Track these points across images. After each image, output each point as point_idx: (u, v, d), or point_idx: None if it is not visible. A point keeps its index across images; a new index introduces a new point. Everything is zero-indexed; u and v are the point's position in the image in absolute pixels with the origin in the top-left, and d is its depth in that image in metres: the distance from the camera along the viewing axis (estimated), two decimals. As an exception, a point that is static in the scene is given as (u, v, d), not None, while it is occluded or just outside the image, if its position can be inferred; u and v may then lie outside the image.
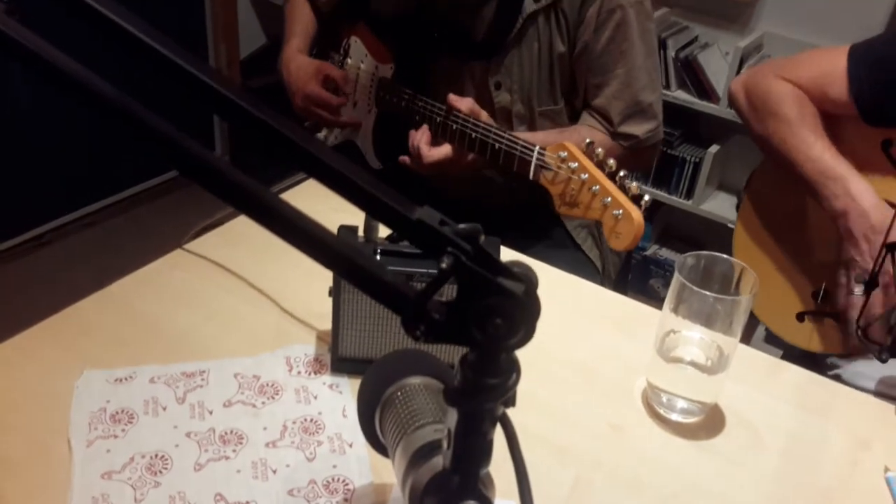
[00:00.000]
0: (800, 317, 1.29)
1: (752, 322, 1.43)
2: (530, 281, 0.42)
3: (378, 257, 0.79)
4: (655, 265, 2.61)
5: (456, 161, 1.31)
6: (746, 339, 1.83)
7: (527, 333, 0.42)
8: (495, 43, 1.37)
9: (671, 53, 2.30)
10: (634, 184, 1.05)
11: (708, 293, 0.78)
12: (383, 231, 0.63)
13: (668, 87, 2.35)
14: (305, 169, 0.41)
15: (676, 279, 0.80)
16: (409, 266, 0.79)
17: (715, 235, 2.41)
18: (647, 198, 1.04)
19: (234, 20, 2.97)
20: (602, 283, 1.55)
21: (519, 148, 1.19)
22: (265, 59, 2.95)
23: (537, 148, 1.16)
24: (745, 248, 1.40)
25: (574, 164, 1.09)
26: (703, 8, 2.40)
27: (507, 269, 0.42)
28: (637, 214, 1.03)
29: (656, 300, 2.62)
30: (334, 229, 0.77)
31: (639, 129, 1.40)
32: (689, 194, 2.44)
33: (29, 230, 2.58)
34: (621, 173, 1.06)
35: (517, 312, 0.41)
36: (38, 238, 2.60)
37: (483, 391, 0.44)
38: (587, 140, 1.11)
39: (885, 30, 2.07)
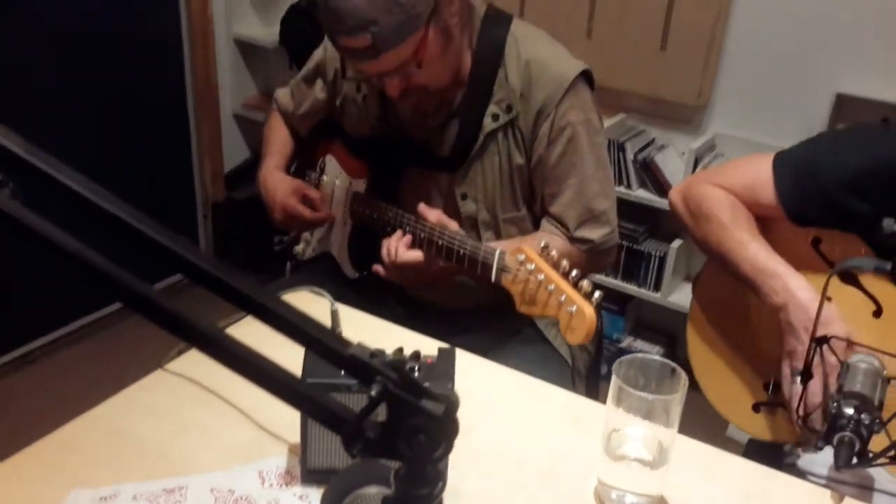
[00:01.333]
0: (755, 407, 1.36)
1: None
2: (450, 402, 0.50)
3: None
4: (631, 356, 2.68)
5: (426, 268, 1.40)
6: (720, 429, 1.89)
7: (447, 448, 0.49)
8: (459, 158, 1.49)
9: (630, 156, 2.44)
10: (586, 282, 1.14)
11: (643, 394, 0.86)
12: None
13: (629, 186, 2.48)
14: (252, 312, 0.49)
15: (615, 381, 0.88)
16: (335, 378, 0.85)
17: (685, 325, 2.48)
18: (597, 294, 1.12)
19: (218, 136, 3.12)
20: (572, 378, 1.62)
21: (481, 253, 1.29)
22: (249, 173, 3.08)
23: (497, 252, 1.26)
24: (698, 342, 1.48)
25: (531, 266, 1.18)
26: (658, 112, 2.56)
27: (430, 393, 0.50)
28: (589, 310, 1.11)
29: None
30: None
31: (594, 233, 1.50)
32: (656, 287, 2.54)
33: (16, 349, 2.63)
34: (574, 273, 1.15)
35: (438, 430, 0.49)
36: (26, 356, 2.65)
37: (414, 500, 0.51)
38: (542, 243, 1.21)
39: (823, 130, 2.22)
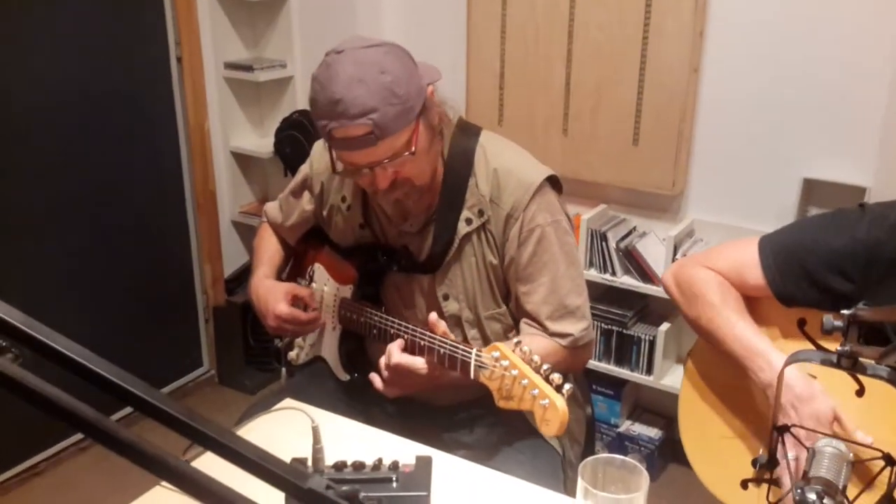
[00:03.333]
0: (744, 485, 1.39)
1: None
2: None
3: (321, 485, 0.92)
4: (630, 441, 2.71)
5: (428, 376, 1.44)
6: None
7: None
8: (438, 260, 1.57)
9: (612, 244, 2.53)
10: (556, 375, 1.20)
11: (607, 494, 0.91)
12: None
13: (614, 274, 2.56)
14: (210, 449, 0.56)
15: (580, 483, 0.93)
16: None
17: (679, 408, 2.52)
18: (567, 386, 1.19)
19: (218, 242, 3.24)
20: (563, 469, 1.66)
21: (460, 352, 1.35)
22: (247, 277, 3.17)
23: (474, 351, 1.33)
24: (689, 420, 1.52)
25: (506, 362, 1.25)
26: (637, 202, 2.67)
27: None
28: (561, 402, 1.17)
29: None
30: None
31: (572, 328, 1.56)
32: (649, 370, 2.59)
33: (22, 461, 2.67)
34: (545, 367, 1.21)
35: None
36: (33, 468, 2.68)
37: None
38: (516, 339, 1.28)
39: (794, 213, 2.32)
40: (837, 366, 0.94)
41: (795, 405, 1.26)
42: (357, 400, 1.73)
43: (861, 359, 0.95)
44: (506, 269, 1.57)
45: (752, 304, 1.43)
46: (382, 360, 1.46)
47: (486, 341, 1.59)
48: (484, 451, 1.60)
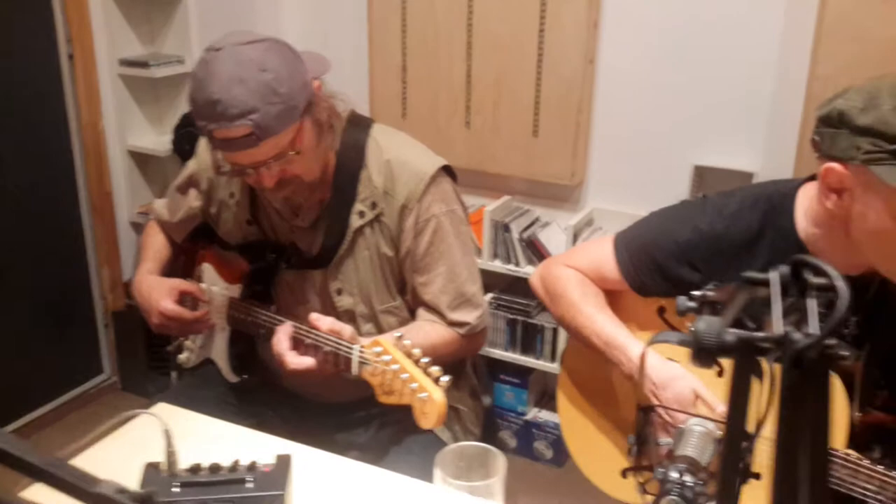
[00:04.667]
0: (623, 474, 1.43)
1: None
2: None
3: (178, 489, 0.89)
4: (537, 428, 2.74)
5: (321, 374, 1.40)
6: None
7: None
8: (330, 255, 1.55)
9: (515, 235, 2.55)
10: (435, 368, 1.20)
11: (463, 482, 0.91)
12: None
13: (517, 264, 2.58)
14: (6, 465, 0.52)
15: (437, 473, 0.93)
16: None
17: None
18: (445, 378, 1.19)
19: (115, 245, 3.12)
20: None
21: (343, 348, 1.33)
22: (149, 279, 3.07)
23: (357, 347, 1.31)
24: (568, 414, 1.55)
25: (387, 357, 1.24)
26: (539, 193, 2.70)
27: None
28: (438, 395, 1.17)
29: (543, 461, 2.73)
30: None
31: (469, 316, 1.57)
32: (553, 358, 2.62)
33: None
34: (424, 360, 1.21)
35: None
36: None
37: None
38: (396, 333, 1.27)
39: (686, 199, 2.38)
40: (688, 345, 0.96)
41: (657, 391, 1.30)
42: (248, 403, 1.69)
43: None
44: (402, 261, 1.56)
45: (617, 297, 1.47)
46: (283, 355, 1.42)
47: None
48: (376, 450, 1.58)
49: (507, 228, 2.56)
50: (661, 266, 1.39)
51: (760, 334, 0.48)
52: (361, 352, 1.29)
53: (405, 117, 2.74)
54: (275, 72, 1.32)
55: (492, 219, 2.56)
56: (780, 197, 1.32)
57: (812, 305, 0.50)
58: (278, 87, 1.31)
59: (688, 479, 1.00)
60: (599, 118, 2.55)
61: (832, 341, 0.48)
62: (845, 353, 0.47)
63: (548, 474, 2.73)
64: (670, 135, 2.45)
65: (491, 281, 2.53)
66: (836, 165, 1.14)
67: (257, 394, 1.69)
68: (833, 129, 1.13)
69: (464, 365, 1.74)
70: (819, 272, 0.52)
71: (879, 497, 1.19)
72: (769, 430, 1.06)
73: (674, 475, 1.00)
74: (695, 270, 1.37)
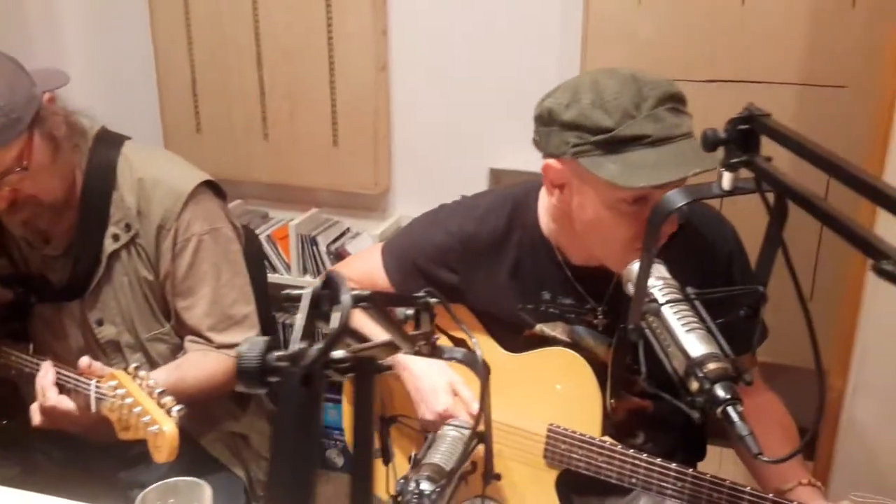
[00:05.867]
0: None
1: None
2: None
3: None
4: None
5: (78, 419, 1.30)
6: None
7: None
8: (84, 284, 1.44)
9: (322, 248, 2.50)
10: (168, 398, 1.14)
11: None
12: None
13: (327, 278, 2.53)
14: None
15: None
16: None
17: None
18: (177, 409, 1.13)
19: None
20: (250, 489, 1.58)
21: (81, 384, 1.24)
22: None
23: (93, 382, 1.22)
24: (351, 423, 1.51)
25: (122, 391, 1.17)
26: (347, 203, 2.66)
27: None
28: (169, 427, 1.11)
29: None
30: None
31: (240, 336, 1.50)
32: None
33: None
34: (158, 391, 1.15)
35: None
36: None
37: None
38: (133, 365, 1.20)
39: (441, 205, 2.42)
40: (419, 353, 0.95)
41: (416, 382, 1.30)
42: (14, 448, 1.55)
43: (440, 343, 0.97)
44: (162, 284, 1.47)
45: None
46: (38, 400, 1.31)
47: (153, 365, 1.48)
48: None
49: (314, 242, 2.51)
50: (422, 270, 1.39)
51: (279, 353, 0.46)
52: (98, 387, 1.21)
53: (200, 132, 2.62)
54: None
55: (298, 233, 2.50)
56: (524, 196, 1.36)
57: (335, 318, 0.48)
58: None
59: (426, 486, 0.98)
60: (398, 125, 2.54)
61: (339, 354, 0.46)
62: (342, 360, 0.46)
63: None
64: (466, 139, 2.48)
65: (300, 296, 2.46)
66: (552, 162, 1.17)
67: (24, 439, 1.55)
68: (546, 127, 1.17)
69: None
70: (327, 284, 0.50)
71: (633, 479, 1.23)
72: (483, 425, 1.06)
73: (410, 486, 0.98)
74: (452, 272, 1.38)
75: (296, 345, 0.45)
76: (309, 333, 0.46)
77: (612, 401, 1.30)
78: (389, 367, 1.26)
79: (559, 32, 2.28)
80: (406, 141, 2.55)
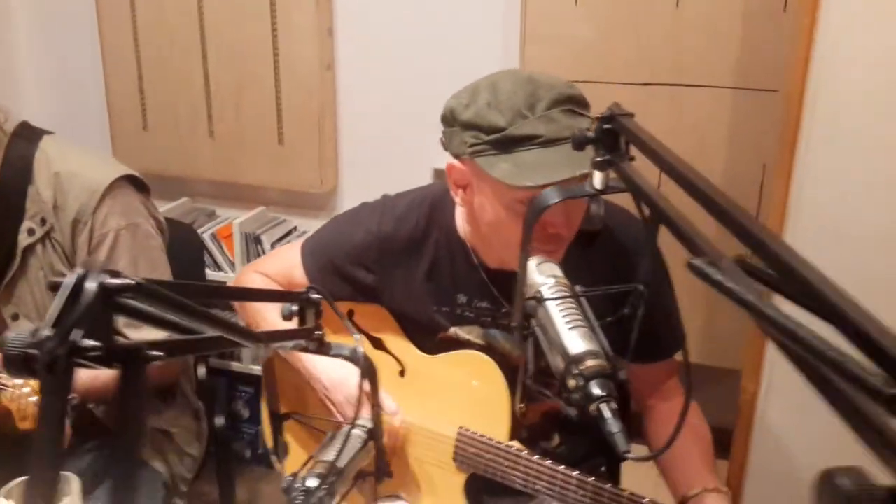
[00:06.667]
0: None
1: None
2: None
3: None
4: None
5: None
6: None
7: None
8: None
9: (266, 247, 2.49)
10: None
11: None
12: None
13: (272, 276, 2.52)
14: None
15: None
16: None
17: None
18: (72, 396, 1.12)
19: None
20: (173, 485, 1.58)
21: None
22: None
23: None
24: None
25: (20, 381, 1.15)
26: (294, 202, 2.65)
27: None
28: None
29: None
30: None
31: (157, 333, 1.48)
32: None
33: None
34: None
35: None
36: None
37: None
38: None
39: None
40: (306, 349, 0.95)
41: (328, 393, 1.29)
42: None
43: (328, 340, 0.96)
44: None
45: None
46: None
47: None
48: (89, 480, 1.48)
49: (258, 240, 2.49)
50: (340, 269, 1.38)
51: (26, 340, 0.46)
52: (-5, 376, 1.20)
53: (147, 129, 2.61)
54: None
55: (242, 231, 2.48)
56: (442, 196, 1.35)
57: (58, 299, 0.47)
58: None
59: (311, 483, 0.98)
60: (345, 123, 2.54)
61: (81, 341, 0.46)
62: (94, 345, 0.45)
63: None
64: (411, 138, 2.48)
65: (243, 295, 2.45)
66: (455, 161, 1.18)
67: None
68: (449, 128, 1.17)
69: (175, 386, 1.66)
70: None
71: (537, 486, 1.23)
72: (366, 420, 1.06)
73: (297, 483, 0.98)
74: (369, 272, 1.37)
75: (44, 331, 0.45)
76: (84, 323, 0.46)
77: (522, 405, 1.30)
78: (158, 358, 1.27)
79: (500, 34, 2.29)
80: (353, 140, 2.55)
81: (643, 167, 0.76)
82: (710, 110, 2.00)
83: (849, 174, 1.32)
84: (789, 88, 1.33)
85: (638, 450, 0.86)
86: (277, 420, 1.08)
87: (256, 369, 2.59)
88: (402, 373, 1.38)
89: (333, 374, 1.31)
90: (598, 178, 0.82)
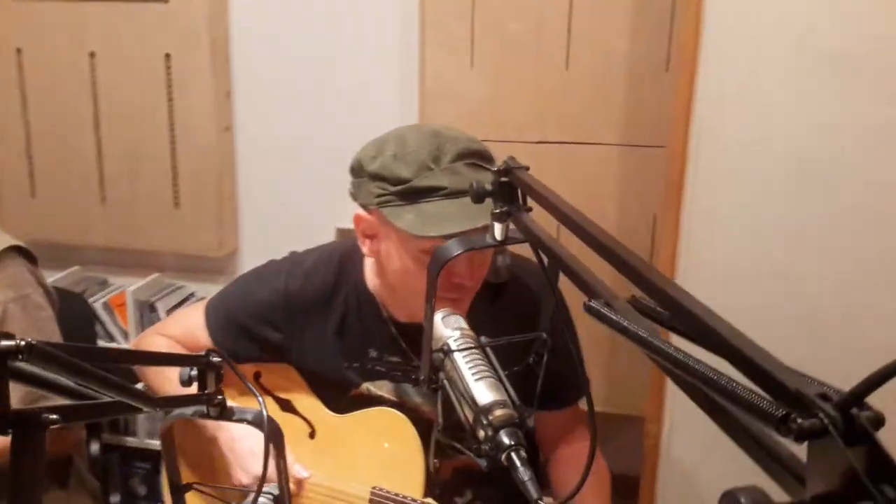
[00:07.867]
0: None
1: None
2: None
3: None
4: None
5: None
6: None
7: None
8: None
9: (162, 315, 2.41)
10: None
11: None
12: None
13: (170, 344, 2.43)
14: None
15: None
16: None
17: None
18: None
19: None
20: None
21: None
22: None
23: None
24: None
25: None
26: (192, 267, 2.58)
27: None
28: None
29: None
30: None
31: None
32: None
33: None
34: None
35: None
36: None
37: None
38: None
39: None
40: (207, 416, 0.91)
41: (233, 444, 1.26)
42: None
43: (231, 403, 0.94)
44: None
45: None
46: None
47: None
48: None
49: (152, 308, 2.41)
50: (245, 328, 1.35)
51: None
52: None
53: (35, 196, 2.50)
54: None
55: (135, 299, 2.39)
56: (350, 251, 1.35)
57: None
58: None
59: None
60: (245, 185, 2.51)
61: None
62: None
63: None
64: (314, 198, 2.47)
65: (140, 365, 2.35)
66: (362, 212, 1.19)
67: None
68: (357, 178, 1.18)
69: (70, 467, 1.57)
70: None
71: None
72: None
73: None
74: (276, 331, 1.35)
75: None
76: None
77: (436, 461, 1.30)
78: (55, 422, 1.22)
79: (398, 93, 2.34)
80: (252, 201, 2.53)
81: (541, 218, 0.79)
82: (601, 167, 2.09)
83: (731, 217, 1.40)
84: (673, 142, 1.41)
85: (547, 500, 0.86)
86: (178, 491, 1.03)
87: (153, 443, 2.47)
88: (311, 434, 1.35)
89: (243, 427, 1.27)
90: (497, 230, 0.84)
